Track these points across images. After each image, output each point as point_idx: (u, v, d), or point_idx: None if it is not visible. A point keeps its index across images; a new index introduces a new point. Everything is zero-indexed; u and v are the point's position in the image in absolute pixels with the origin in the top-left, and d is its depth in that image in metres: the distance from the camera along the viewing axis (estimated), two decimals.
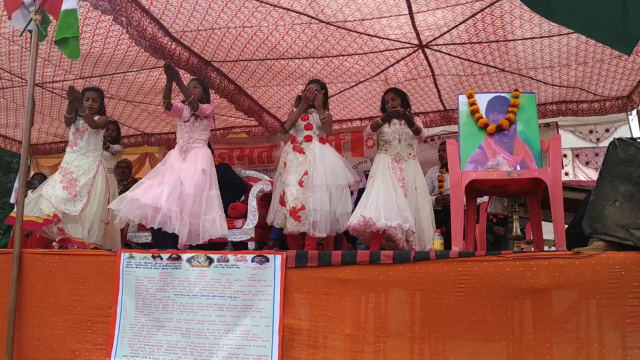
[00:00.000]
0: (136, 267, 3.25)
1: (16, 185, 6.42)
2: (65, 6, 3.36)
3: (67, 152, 4.23)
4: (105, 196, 4.22)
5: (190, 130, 4.02)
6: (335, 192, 3.97)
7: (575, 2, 2.38)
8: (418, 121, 4.21)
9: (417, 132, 4.17)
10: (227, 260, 3.09)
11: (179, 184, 3.77)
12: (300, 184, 3.94)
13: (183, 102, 4.11)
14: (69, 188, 3.98)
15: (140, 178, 7.05)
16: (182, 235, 3.69)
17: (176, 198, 3.70)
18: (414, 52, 4.75)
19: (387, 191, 3.86)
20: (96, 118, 4.21)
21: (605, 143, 6.32)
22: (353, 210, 3.94)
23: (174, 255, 3.21)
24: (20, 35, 3.91)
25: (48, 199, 3.89)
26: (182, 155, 3.96)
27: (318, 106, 4.10)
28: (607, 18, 2.37)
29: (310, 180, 3.92)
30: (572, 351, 2.46)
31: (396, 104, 4.19)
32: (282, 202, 4.00)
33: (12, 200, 6.83)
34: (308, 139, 4.09)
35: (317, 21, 4.11)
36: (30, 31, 3.64)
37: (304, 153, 4.05)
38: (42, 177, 6.28)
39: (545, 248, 3.42)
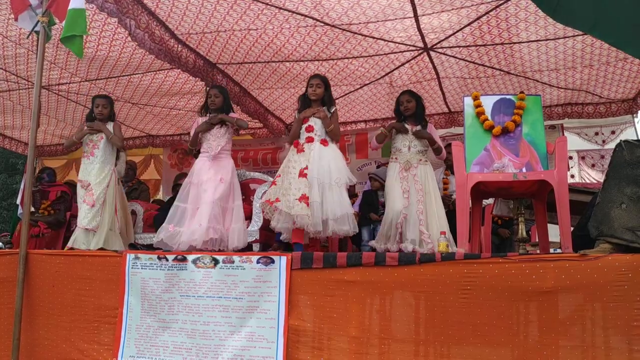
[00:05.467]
0: (142, 268, 3.26)
1: (22, 186, 6.44)
2: (72, 5, 3.37)
3: (83, 162, 4.32)
4: (114, 206, 4.28)
5: (220, 137, 4.18)
6: (328, 191, 3.83)
7: (587, 5, 2.32)
8: (435, 135, 4.22)
9: (437, 151, 4.21)
10: (233, 262, 3.10)
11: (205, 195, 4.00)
12: (302, 174, 3.88)
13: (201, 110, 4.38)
14: (88, 200, 4.14)
15: (145, 180, 7.14)
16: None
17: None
18: (419, 54, 4.75)
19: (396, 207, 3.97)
20: (111, 137, 4.31)
21: (611, 145, 6.30)
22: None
23: (179, 257, 3.22)
24: (27, 37, 3.93)
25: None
26: (211, 164, 4.12)
27: (324, 117, 4.06)
28: (622, 21, 2.31)
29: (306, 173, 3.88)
30: (578, 354, 2.44)
31: (411, 107, 4.18)
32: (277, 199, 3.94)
33: (17, 202, 6.85)
34: (310, 140, 4.05)
35: (322, 24, 4.11)
36: (37, 32, 3.66)
37: (304, 151, 4.01)
38: (50, 171, 6.30)
39: (551, 250, 3.41)
